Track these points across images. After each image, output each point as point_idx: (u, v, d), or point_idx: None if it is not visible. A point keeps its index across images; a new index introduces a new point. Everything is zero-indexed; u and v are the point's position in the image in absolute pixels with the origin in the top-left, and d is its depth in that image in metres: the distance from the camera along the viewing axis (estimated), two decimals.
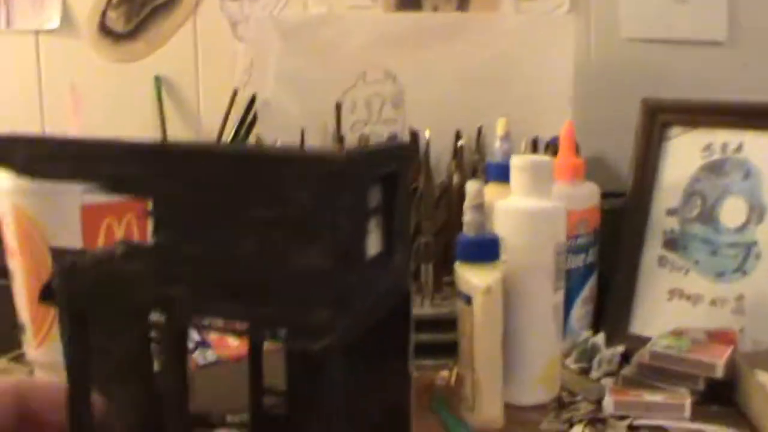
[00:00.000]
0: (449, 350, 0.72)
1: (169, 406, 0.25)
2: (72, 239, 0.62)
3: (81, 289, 0.26)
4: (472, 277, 0.67)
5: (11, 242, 0.65)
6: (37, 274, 0.63)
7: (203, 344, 0.76)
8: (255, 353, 0.33)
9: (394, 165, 0.28)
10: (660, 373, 0.71)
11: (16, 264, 0.65)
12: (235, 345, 0.76)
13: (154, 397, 0.27)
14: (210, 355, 0.76)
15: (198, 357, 0.76)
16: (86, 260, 0.26)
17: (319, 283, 0.23)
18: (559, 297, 0.72)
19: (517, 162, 0.72)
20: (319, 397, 0.24)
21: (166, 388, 0.25)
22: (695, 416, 0.67)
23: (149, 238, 0.25)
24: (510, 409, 0.69)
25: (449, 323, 0.72)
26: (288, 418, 0.32)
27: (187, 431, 0.26)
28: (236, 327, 0.24)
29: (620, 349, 0.77)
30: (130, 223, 0.65)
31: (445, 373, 0.78)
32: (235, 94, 1.06)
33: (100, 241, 0.64)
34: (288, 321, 0.23)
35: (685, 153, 0.88)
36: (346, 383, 0.24)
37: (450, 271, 0.73)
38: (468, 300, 0.66)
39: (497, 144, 0.83)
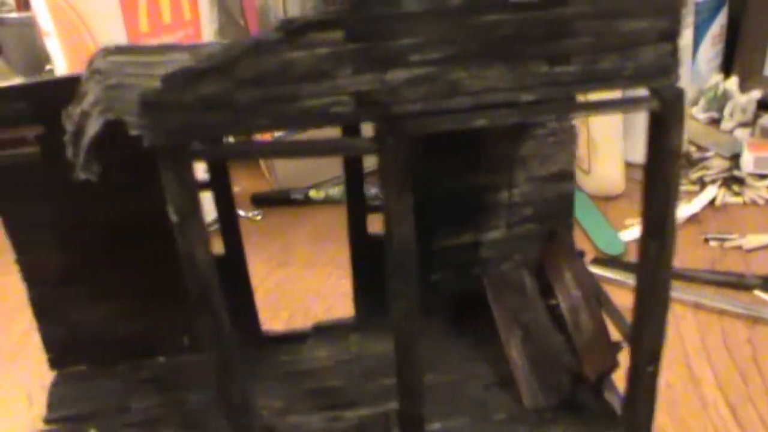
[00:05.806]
0: None
1: None
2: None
3: None
4: None
5: (45, 24, 0.57)
6: (77, 54, 0.56)
7: None
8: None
9: None
10: None
11: (54, 46, 0.58)
12: None
13: None
14: None
15: None
16: None
17: None
18: (686, 35, 0.61)
19: None
20: None
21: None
22: None
23: None
24: (631, 169, 0.60)
25: None
26: None
27: None
28: None
29: (756, 93, 0.66)
30: None
31: None
32: None
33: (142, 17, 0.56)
34: None
35: None
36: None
37: None
38: None
39: None
